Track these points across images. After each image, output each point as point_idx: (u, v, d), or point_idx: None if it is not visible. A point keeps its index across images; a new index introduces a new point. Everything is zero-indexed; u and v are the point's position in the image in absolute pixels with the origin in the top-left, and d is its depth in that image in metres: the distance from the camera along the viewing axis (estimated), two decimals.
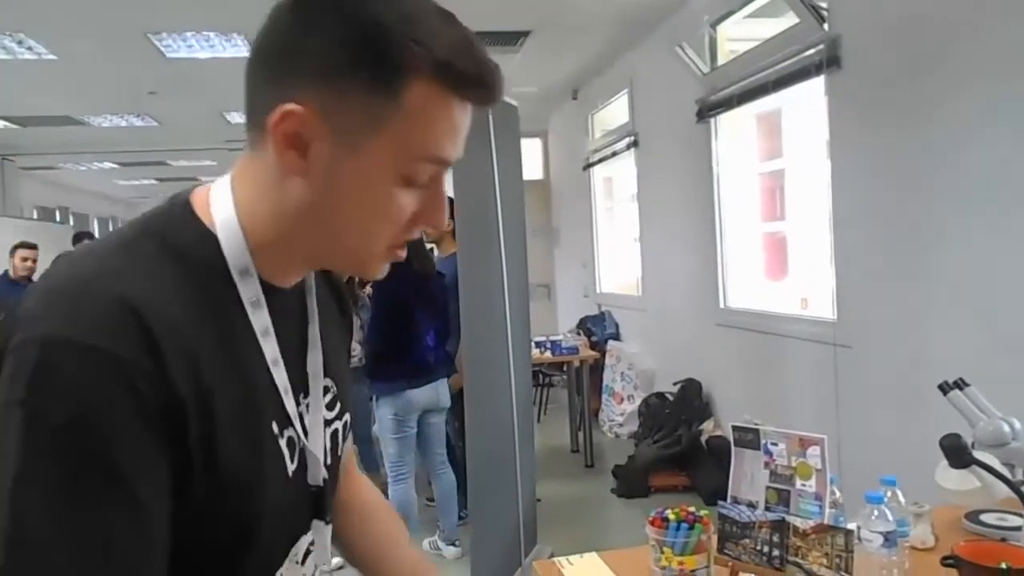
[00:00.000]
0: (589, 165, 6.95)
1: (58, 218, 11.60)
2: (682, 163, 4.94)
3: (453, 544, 3.63)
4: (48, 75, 5.71)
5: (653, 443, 4.70)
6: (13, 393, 0.56)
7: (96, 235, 8.06)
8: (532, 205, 8.03)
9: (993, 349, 2.49)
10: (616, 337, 6.45)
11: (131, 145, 8.72)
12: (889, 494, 1.44)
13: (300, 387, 0.76)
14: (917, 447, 1.73)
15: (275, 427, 0.71)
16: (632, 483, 4.45)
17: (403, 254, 0.73)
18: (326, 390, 0.80)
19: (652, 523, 1.49)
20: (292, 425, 0.73)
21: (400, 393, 3.36)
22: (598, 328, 6.55)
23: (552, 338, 5.27)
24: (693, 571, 1.44)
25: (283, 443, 0.71)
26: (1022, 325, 2.34)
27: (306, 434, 0.75)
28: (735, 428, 1.51)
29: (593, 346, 6.01)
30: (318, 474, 0.75)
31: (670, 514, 1.49)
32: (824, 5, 3.31)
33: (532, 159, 8.46)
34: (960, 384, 1.75)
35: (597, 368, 5.95)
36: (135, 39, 5.00)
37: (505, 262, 3.16)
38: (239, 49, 5.33)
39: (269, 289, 0.72)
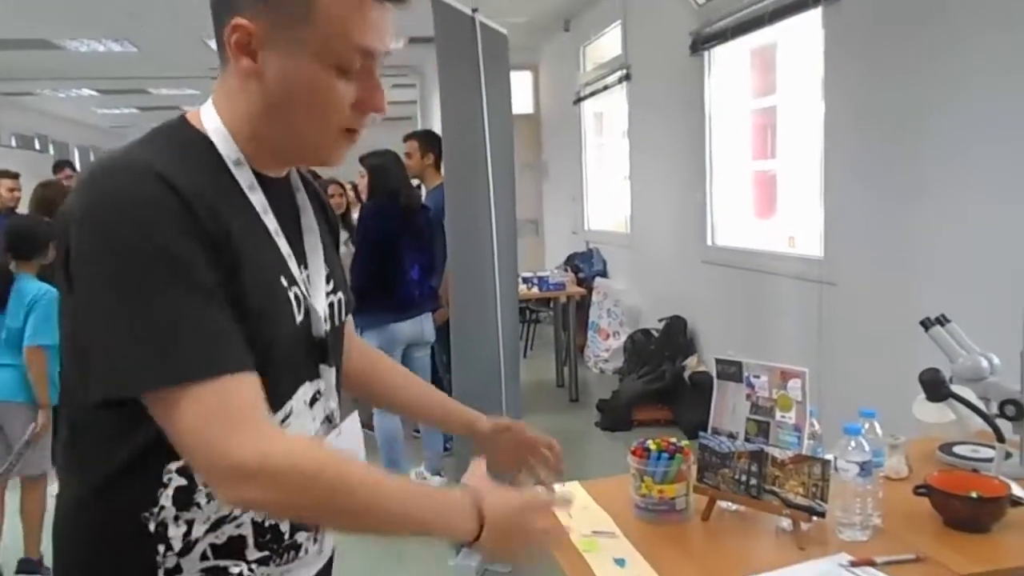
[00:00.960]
0: (580, 99, 6.83)
1: (37, 146, 11.35)
2: (674, 98, 4.86)
3: (438, 474, 3.69)
4: None
5: (637, 378, 4.77)
6: (95, 239, 0.75)
7: (77, 166, 7.88)
8: (521, 139, 7.90)
9: (975, 288, 2.51)
10: (603, 274, 6.46)
11: (110, 72, 8.47)
12: (867, 426, 1.46)
13: (302, 260, 0.93)
14: (898, 382, 1.76)
15: (283, 281, 0.88)
16: (616, 417, 4.53)
17: (355, 138, 0.88)
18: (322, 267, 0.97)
19: (634, 453, 1.51)
20: (297, 285, 0.90)
21: (385, 326, 3.37)
22: (586, 265, 6.56)
23: (539, 274, 5.27)
24: (672, 499, 1.47)
25: (291, 295, 0.88)
26: (1005, 265, 2.35)
27: (310, 295, 0.92)
28: (718, 361, 1.52)
29: (580, 283, 6.02)
30: (320, 327, 0.92)
31: (651, 444, 1.51)
32: None
33: (522, 92, 8.29)
34: (942, 320, 1.77)
35: (584, 305, 5.97)
36: None
37: (493, 196, 3.13)
38: None
39: (261, 178, 0.89)
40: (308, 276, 0.93)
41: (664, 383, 4.56)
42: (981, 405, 1.64)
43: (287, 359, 0.88)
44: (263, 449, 0.76)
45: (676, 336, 4.85)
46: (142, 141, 0.84)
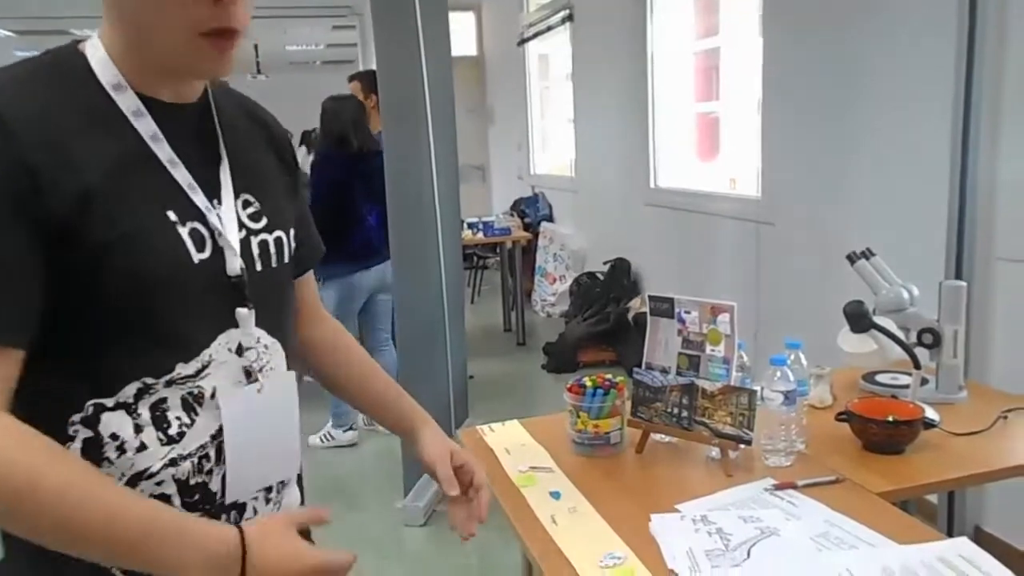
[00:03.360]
0: (524, 40, 6.72)
1: None
2: (617, 40, 4.82)
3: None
4: None
5: (583, 321, 4.83)
6: None
7: None
8: (465, 83, 7.80)
9: (900, 224, 2.59)
10: (549, 219, 6.48)
11: (29, 10, 8.00)
12: (792, 357, 1.51)
13: (213, 193, 0.84)
14: (829, 315, 1.81)
15: (172, 215, 0.79)
16: (561, 359, 4.60)
17: (231, 43, 0.77)
18: (247, 203, 0.88)
19: (570, 390, 1.54)
20: (201, 219, 0.81)
21: (346, 277, 3.35)
22: (531, 210, 6.55)
23: (485, 219, 5.25)
24: (607, 433, 1.51)
25: (183, 231, 0.80)
26: (926, 203, 2.43)
27: (220, 230, 0.83)
28: (651, 298, 1.55)
29: (527, 228, 6.03)
30: (235, 264, 0.84)
31: (587, 381, 1.54)
32: None
33: (465, 34, 8.12)
34: (867, 254, 1.83)
35: (530, 249, 5.99)
36: None
37: (432, 141, 3.08)
38: None
39: (154, 103, 0.80)
40: (219, 208, 0.84)
41: (609, 325, 4.64)
42: (901, 335, 1.71)
43: (189, 302, 0.80)
44: None
45: (621, 278, 4.92)
46: (16, 64, 0.78)
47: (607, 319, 4.69)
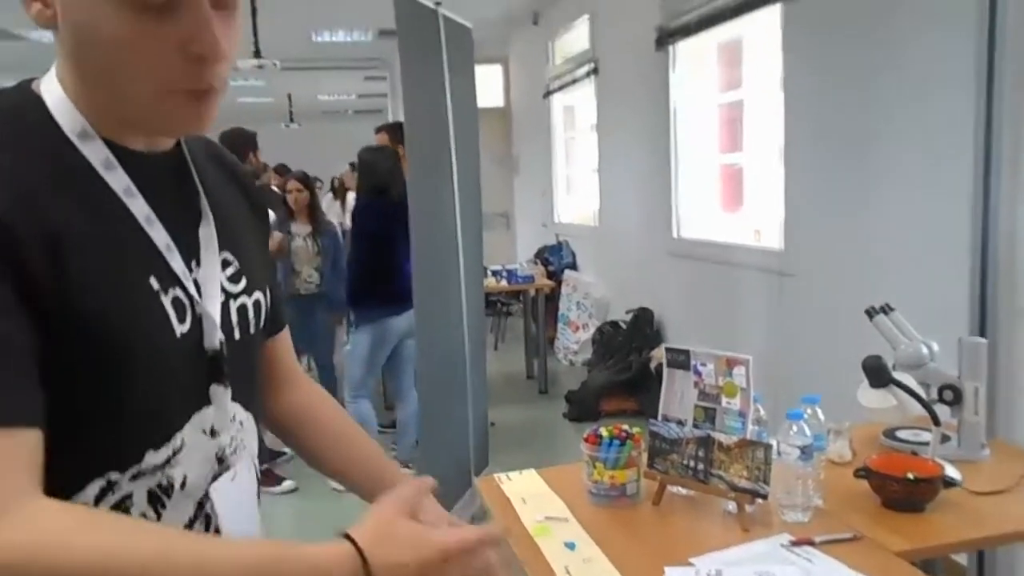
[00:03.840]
0: (549, 93, 6.86)
1: None
2: (640, 92, 4.91)
3: (406, 466, 3.72)
4: None
5: (605, 369, 4.82)
6: None
7: None
8: (492, 133, 7.95)
9: (921, 279, 2.58)
10: (573, 267, 6.51)
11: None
12: (809, 411, 1.51)
13: (192, 253, 0.75)
14: (850, 369, 1.81)
15: (154, 283, 0.70)
16: (583, 407, 4.58)
17: (209, 102, 0.68)
18: (226, 263, 0.79)
19: (586, 440, 1.55)
20: (181, 285, 0.72)
21: (380, 321, 3.45)
22: (555, 258, 6.60)
23: (508, 267, 5.30)
24: (623, 484, 1.52)
25: (167, 301, 0.71)
26: (947, 258, 2.42)
27: (200, 298, 0.74)
28: (668, 350, 1.56)
29: (550, 275, 6.06)
30: (214, 337, 0.74)
31: (603, 431, 1.55)
32: None
33: (492, 86, 8.30)
34: (885, 309, 1.83)
35: (554, 297, 6.02)
36: None
37: (457, 189, 3.15)
38: None
39: (126, 153, 0.71)
40: (199, 272, 0.75)
41: (631, 374, 4.62)
42: (921, 391, 1.70)
43: (168, 380, 0.71)
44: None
45: (643, 327, 4.91)
46: None
47: (629, 368, 4.68)
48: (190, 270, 0.74)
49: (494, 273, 5.14)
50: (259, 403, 0.86)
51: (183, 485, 0.73)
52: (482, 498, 1.62)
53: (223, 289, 0.78)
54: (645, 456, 1.54)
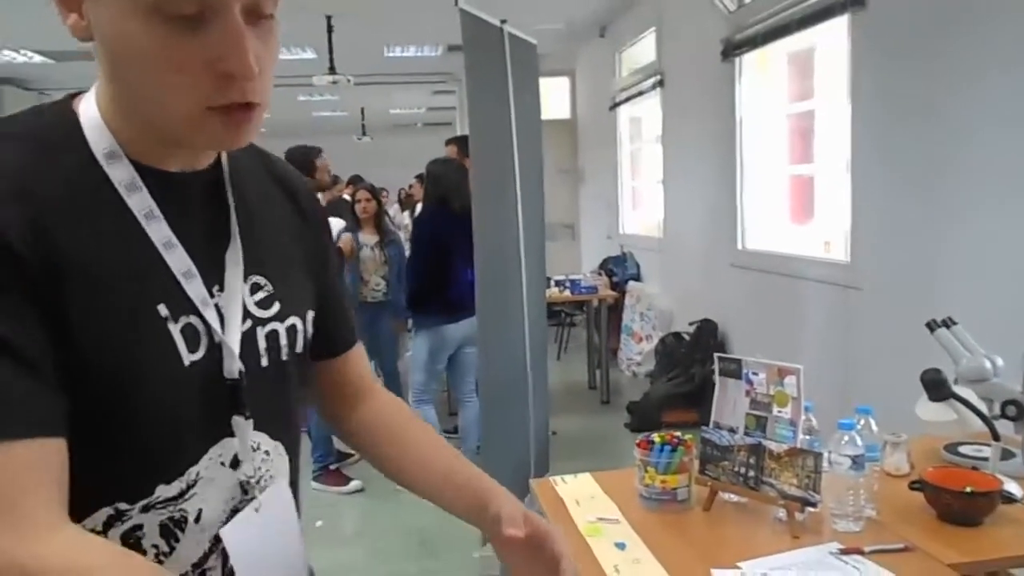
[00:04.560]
0: (615, 105, 6.89)
1: None
2: (706, 104, 4.90)
3: None
4: None
5: (667, 381, 4.81)
6: None
7: None
8: (558, 145, 8.03)
9: (987, 293, 2.52)
10: (637, 278, 6.51)
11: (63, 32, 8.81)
12: (862, 422, 1.52)
13: (215, 278, 0.72)
14: (915, 383, 1.79)
15: (163, 310, 0.67)
16: (645, 418, 4.58)
17: (243, 119, 0.65)
18: (257, 287, 0.76)
19: (639, 445, 1.60)
20: (196, 312, 0.69)
21: (438, 328, 3.58)
22: (619, 269, 6.61)
23: (572, 277, 5.35)
24: (674, 489, 1.55)
25: (175, 328, 0.68)
26: (1015, 272, 2.36)
27: (221, 325, 0.71)
28: (720, 359, 1.60)
29: (614, 286, 6.08)
30: (232, 366, 0.71)
31: (656, 437, 1.60)
32: None
33: (559, 98, 8.38)
34: (948, 323, 1.81)
35: (617, 308, 6.03)
36: None
37: (520, 200, 3.22)
38: None
39: (156, 174, 0.69)
40: (221, 298, 0.72)
41: (693, 386, 4.60)
42: (983, 406, 1.68)
43: (178, 411, 0.68)
44: (18, 558, 0.56)
45: (706, 339, 4.88)
46: None
47: (692, 380, 4.66)
48: (212, 295, 0.71)
49: (557, 283, 5.19)
50: (294, 434, 0.83)
51: (198, 519, 0.71)
52: (537, 499, 1.67)
53: (250, 314, 0.75)
54: (697, 463, 1.58)
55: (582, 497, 1.65)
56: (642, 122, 6.91)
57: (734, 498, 1.56)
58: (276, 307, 0.78)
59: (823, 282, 3.60)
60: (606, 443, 4.51)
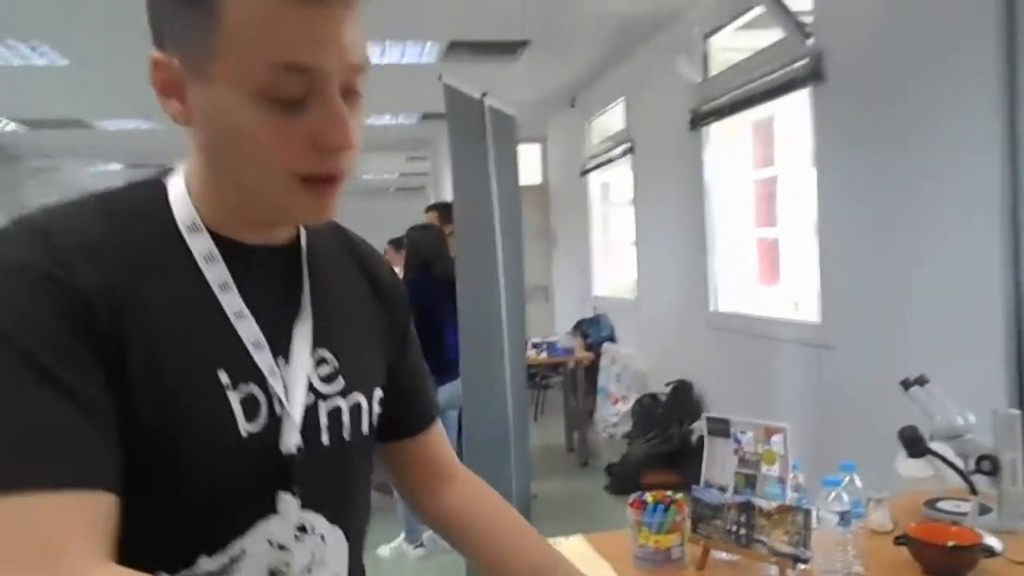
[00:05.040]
0: (586, 171, 7.09)
1: None
2: (675, 170, 5.08)
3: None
4: (61, 80, 5.86)
5: (645, 442, 4.84)
6: None
7: None
8: (531, 209, 8.19)
9: (957, 351, 2.62)
10: (611, 339, 6.58)
11: (138, 146, 8.88)
12: (847, 479, 1.57)
13: (281, 350, 0.73)
14: (890, 440, 1.86)
15: (224, 377, 0.68)
16: (624, 480, 4.58)
17: (334, 191, 0.69)
18: (322, 361, 0.76)
19: (632, 505, 1.62)
20: (260, 383, 0.70)
21: None
22: (594, 330, 6.69)
23: (548, 339, 5.40)
24: (668, 548, 1.58)
25: (234, 397, 0.68)
26: (982, 329, 2.47)
27: (285, 398, 0.71)
28: (708, 419, 1.65)
29: (589, 348, 6.14)
30: (291, 440, 0.71)
31: (648, 497, 1.63)
32: (809, 20, 3.44)
33: (531, 164, 8.59)
34: (921, 381, 1.89)
35: (593, 370, 6.08)
36: (147, 46, 5.13)
37: (501, 264, 3.30)
38: None
39: (235, 246, 0.72)
40: (286, 370, 0.72)
41: (672, 446, 4.63)
42: (958, 461, 1.75)
43: (229, 482, 0.68)
44: None
45: (683, 400, 4.94)
46: (72, 200, 0.69)
47: (670, 440, 4.69)
48: (277, 368, 0.71)
49: (535, 345, 5.24)
50: (358, 520, 0.81)
51: None
52: None
53: (314, 389, 0.74)
54: (689, 522, 1.61)
55: (576, 559, 1.65)
56: (611, 187, 7.11)
57: (727, 556, 1.59)
58: (340, 383, 0.77)
59: (796, 342, 3.70)
60: (587, 506, 4.50)
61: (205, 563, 0.67)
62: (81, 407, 0.59)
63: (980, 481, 1.74)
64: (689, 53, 4.66)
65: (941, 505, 1.82)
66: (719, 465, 1.61)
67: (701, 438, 4.74)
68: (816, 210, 3.52)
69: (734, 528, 1.54)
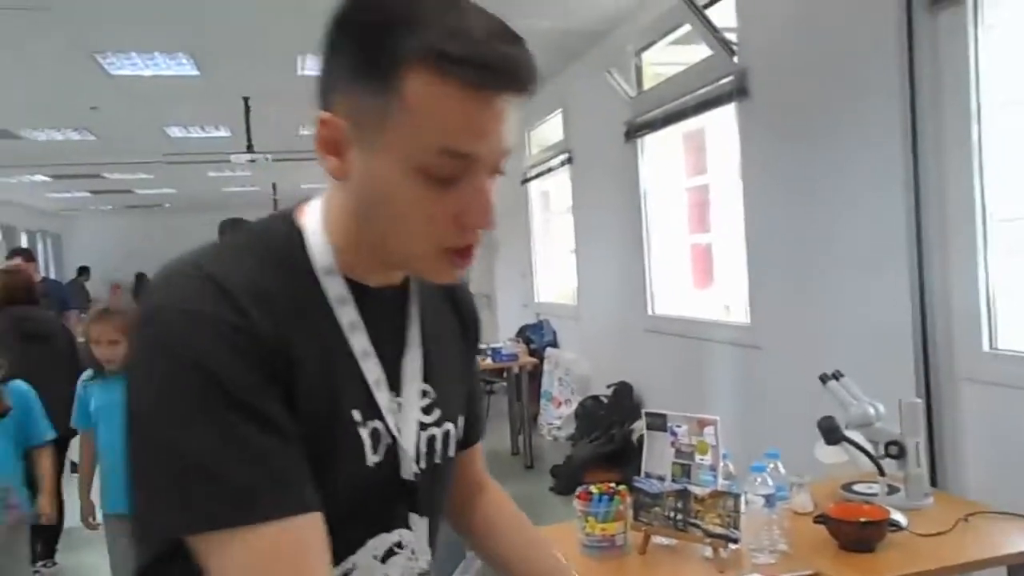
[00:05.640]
0: (527, 180, 7.24)
1: None
2: (612, 179, 5.27)
3: None
4: None
5: (589, 443, 5.00)
6: (145, 352, 0.68)
7: (30, 251, 7.90)
8: None
9: (869, 348, 2.85)
10: (554, 344, 6.74)
11: (67, 158, 8.65)
12: (771, 465, 1.74)
13: (395, 385, 0.79)
14: (809, 430, 2.03)
15: (356, 415, 0.75)
16: (568, 481, 4.72)
17: (468, 260, 0.74)
18: (424, 394, 0.83)
19: (579, 497, 1.76)
20: (379, 418, 0.77)
21: None
22: (536, 336, 6.83)
23: (492, 346, 5.51)
24: (612, 536, 1.71)
25: (364, 432, 0.76)
26: (895, 330, 2.69)
27: (399, 430, 0.78)
28: (647, 414, 1.79)
29: (532, 353, 6.28)
30: (408, 468, 0.79)
31: (593, 488, 1.76)
32: (734, 39, 3.66)
33: None
34: (836, 375, 2.08)
35: (536, 374, 6.22)
36: (79, 57, 5.08)
37: None
38: (183, 67, 5.44)
39: (361, 288, 0.78)
40: (399, 404, 0.80)
41: (614, 446, 4.80)
42: (870, 447, 1.94)
43: (352, 506, 0.75)
44: None
45: (623, 401, 5.12)
46: (229, 243, 0.77)
47: (612, 440, 4.86)
48: (392, 404, 0.78)
49: (479, 351, 5.34)
50: (437, 531, 0.88)
51: None
52: (476, 560, 1.79)
53: (418, 420, 0.82)
54: (631, 511, 1.75)
55: None
56: (551, 195, 7.28)
57: (666, 541, 1.73)
58: (437, 413, 0.85)
59: (728, 343, 3.91)
60: (533, 506, 4.62)
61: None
62: (288, 439, 0.67)
63: (890, 465, 1.94)
64: (622, 68, 4.85)
65: (856, 488, 2.01)
66: (657, 457, 1.75)
67: (641, 437, 4.90)
68: (743, 218, 3.73)
69: (672, 514, 1.68)
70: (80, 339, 2.54)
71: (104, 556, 2.64)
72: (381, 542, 0.79)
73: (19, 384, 2.76)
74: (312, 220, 0.77)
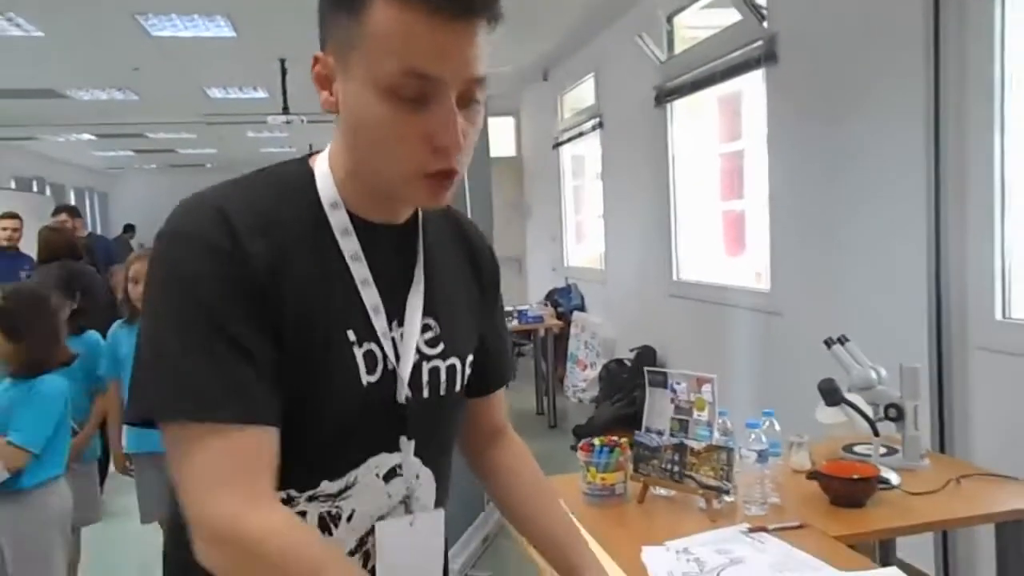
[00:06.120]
0: (558, 144, 7.25)
1: (35, 188, 11.69)
2: (641, 145, 5.27)
3: None
4: (35, 51, 5.89)
5: (611, 405, 5.09)
6: (151, 267, 0.78)
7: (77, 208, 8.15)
8: (505, 181, 8.35)
9: (877, 315, 2.87)
10: (581, 308, 6.82)
11: (110, 117, 8.87)
12: (767, 423, 1.80)
13: (396, 315, 0.85)
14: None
15: (351, 335, 0.81)
16: None
17: (448, 184, 0.79)
18: (427, 327, 0.88)
19: (582, 448, 1.85)
20: (376, 341, 0.83)
21: None
22: (564, 300, 6.91)
23: (519, 308, 5.61)
24: (612, 485, 1.80)
25: (359, 352, 0.81)
26: (910, 298, 2.71)
27: (397, 358, 0.84)
28: (648, 371, 1.87)
29: (560, 316, 6.37)
30: (401, 392, 0.85)
31: (596, 441, 1.85)
32: (764, 4, 3.63)
33: (505, 136, 8.73)
34: (841, 340, 2.12)
35: (563, 337, 6.31)
36: (121, 18, 5.20)
37: None
38: (221, 29, 5.54)
39: (365, 223, 0.84)
40: (401, 334, 0.85)
41: (635, 408, 4.88)
42: (870, 410, 1.99)
43: (351, 422, 0.82)
44: (237, 513, 0.71)
45: (646, 364, 5.19)
46: (244, 177, 0.83)
47: (634, 403, 4.94)
48: (391, 329, 0.84)
49: (507, 313, 5.44)
50: (445, 465, 0.94)
51: (350, 518, 0.83)
52: (496, 510, 1.89)
53: (419, 351, 0.87)
54: (631, 463, 1.83)
55: None
56: (584, 160, 7.28)
57: (663, 492, 1.82)
58: (441, 347, 0.90)
59: (750, 309, 3.95)
60: (554, 463, 4.73)
61: (327, 486, 0.82)
62: (257, 365, 0.75)
63: (889, 428, 1.99)
64: (652, 32, 4.82)
65: (856, 449, 2.07)
66: (657, 412, 1.83)
67: None
68: (768, 184, 3.73)
69: (669, 466, 1.77)
70: (128, 283, 2.70)
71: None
72: (383, 461, 0.85)
73: (91, 334, 2.91)
74: (322, 160, 0.85)
